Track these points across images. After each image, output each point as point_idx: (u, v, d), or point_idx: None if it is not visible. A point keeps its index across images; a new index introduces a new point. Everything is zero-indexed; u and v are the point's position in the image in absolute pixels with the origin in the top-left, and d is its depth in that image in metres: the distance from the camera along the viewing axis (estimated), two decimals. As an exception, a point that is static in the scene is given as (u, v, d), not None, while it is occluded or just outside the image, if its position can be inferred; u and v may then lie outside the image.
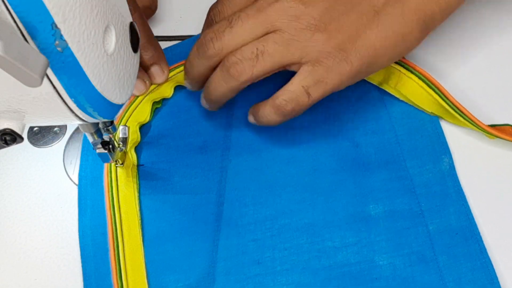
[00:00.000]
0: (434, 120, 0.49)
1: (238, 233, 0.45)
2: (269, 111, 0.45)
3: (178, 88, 0.52)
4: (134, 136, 0.49)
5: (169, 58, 0.50)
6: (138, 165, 0.47)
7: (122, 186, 0.47)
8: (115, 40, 0.34)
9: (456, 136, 0.48)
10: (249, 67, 0.42)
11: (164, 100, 0.51)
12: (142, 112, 0.50)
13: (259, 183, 0.47)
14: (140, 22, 0.48)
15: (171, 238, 0.45)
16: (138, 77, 0.48)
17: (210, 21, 0.46)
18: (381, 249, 0.44)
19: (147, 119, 0.50)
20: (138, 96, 0.50)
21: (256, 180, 0.47)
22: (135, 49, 0.37)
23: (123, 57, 0.35)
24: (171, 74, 0.51)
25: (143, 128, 0.50)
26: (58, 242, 0.46)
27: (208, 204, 0.46)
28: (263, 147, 0.49)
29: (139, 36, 0.37)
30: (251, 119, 0.47)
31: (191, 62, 0.46)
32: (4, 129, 0.34)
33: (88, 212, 0.46)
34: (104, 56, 0.33)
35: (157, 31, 0.52)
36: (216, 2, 0.47)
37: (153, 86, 0.50)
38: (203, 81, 0.46)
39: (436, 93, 0.47)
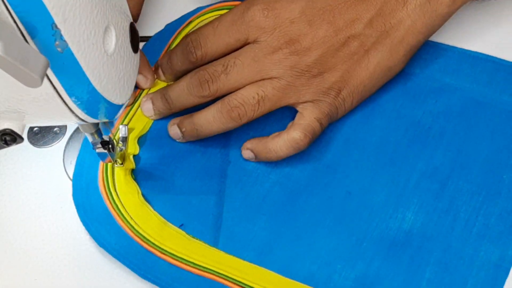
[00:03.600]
0: None
1: (238, 233, 0.45)
2: (282, 145, 0.45)
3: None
4: (132, 148, 0.48)
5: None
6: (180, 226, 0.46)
7: (120, 184, 0.46)
8: (115, 40, 0.34)
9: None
10: (250, 111, 0.45)
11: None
12: (140, 123, 0.49)
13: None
14: None
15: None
16: None
17: (189, 52, 0.46)
18: None
19: (145, 130, 0.49)
20: (133, 105, 0.50)
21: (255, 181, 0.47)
22: (135, 49, 0.37)
23: (123, 57, 0.35)
24: None
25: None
26: (58, 242, 0.46)
27: (208, 205, 0.46)
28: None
29: (139, 36, 0.37)
30: (248, 155, 0.47)
31: (180, 96, 0.47)
32: (4, 129, 0.34)
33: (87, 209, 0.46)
34: (104, 56, 0.33)
35: (156, 31, 0.53)
36: (195, 32, 0.47)
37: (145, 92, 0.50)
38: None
39: None
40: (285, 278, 0.43)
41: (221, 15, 0.47)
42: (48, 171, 0.49)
